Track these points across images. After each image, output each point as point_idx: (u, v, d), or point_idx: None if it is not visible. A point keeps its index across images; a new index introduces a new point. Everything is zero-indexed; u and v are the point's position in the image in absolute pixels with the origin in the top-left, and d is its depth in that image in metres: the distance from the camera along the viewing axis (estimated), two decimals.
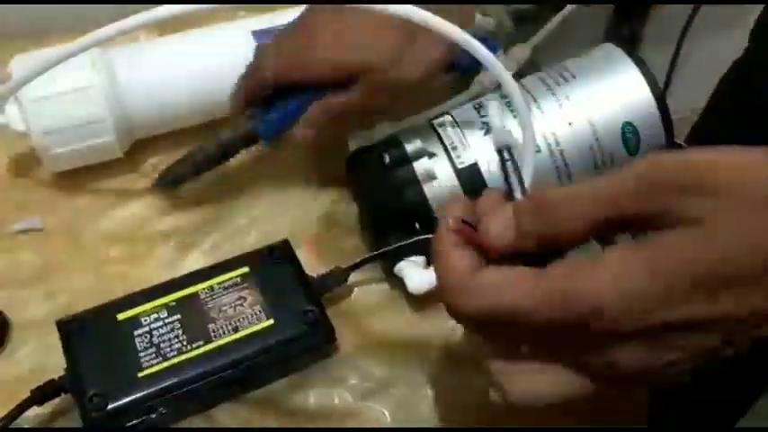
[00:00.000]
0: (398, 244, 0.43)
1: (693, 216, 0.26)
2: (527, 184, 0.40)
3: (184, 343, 0.40)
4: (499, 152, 0.34)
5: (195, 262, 0.48)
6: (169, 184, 0.49)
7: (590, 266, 0.27)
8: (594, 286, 0.27)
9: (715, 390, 0.57)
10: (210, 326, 0.41)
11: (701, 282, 0.26)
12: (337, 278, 0.45)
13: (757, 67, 0.50)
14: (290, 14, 0.54)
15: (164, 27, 0.56)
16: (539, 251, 0.29)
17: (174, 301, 0.42)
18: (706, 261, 0.26)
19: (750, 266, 0.26)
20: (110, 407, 0.38)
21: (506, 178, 0.33)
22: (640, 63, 0.44)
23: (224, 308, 0.42)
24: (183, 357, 0.40)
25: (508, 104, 0.44)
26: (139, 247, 0.48)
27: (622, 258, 0.27)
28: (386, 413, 0.42)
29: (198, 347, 0.40)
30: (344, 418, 0.42)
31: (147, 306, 0.42)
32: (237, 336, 0.41)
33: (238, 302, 0.42)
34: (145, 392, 0.39)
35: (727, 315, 0.27)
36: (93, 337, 0.41)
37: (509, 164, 0.33)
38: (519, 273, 0.29)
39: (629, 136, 0.43)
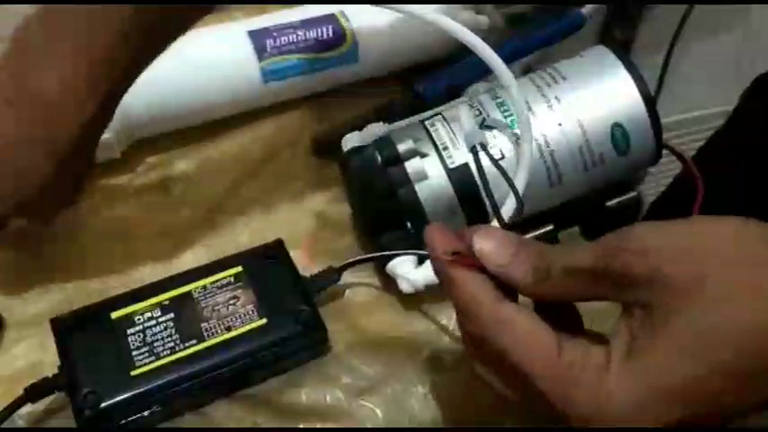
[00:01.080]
0: (393, 252, 0.44)
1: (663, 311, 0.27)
2: (521, 185, 0.41)
3: (177, 342, 0.41)
4: (473, 152, 0.35)
5: (190, 260, 0.48)
6: (324, 150, 0.51)
7: (594, 380, 0.28)
8: (592, 400, 0.27)
9: None
10: (203, 325, 0.41)
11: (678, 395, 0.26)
12: (330, 277, 0.45)
13: None
14: (285, 14, 0.55)
15: None
16: None
17: (167, 299, 0.42)
18: (681, 376, 0.26)
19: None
20: (102, 405, 0.39)
21: (481, 177, 0.33)
22: (630, 65, 0.44)
23: (217, 307, 0.42)
24: (176, 356, 0.40)
25: (500, 105, 0.44)
26: (135, 245, 0.49)
27: (619, 376, 0.27)
28: (378, 411, 0.42)
29: (190, 347, 0.41)
30: (336, 417, 0.42)
31: (141, 305, 0.42)
32: (230, 335, 0.41)
33: (231, 302, 0.42)
34: (137, 391, 0.39)
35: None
36: (87, 335, 0.41)
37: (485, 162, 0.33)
38: (538, 334, 0.29)
39: (619, 137, 0.44)
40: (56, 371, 0.40)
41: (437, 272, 0.32)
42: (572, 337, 0.29)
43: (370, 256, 0.46)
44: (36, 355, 0.43)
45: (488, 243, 0.31)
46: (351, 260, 0.45)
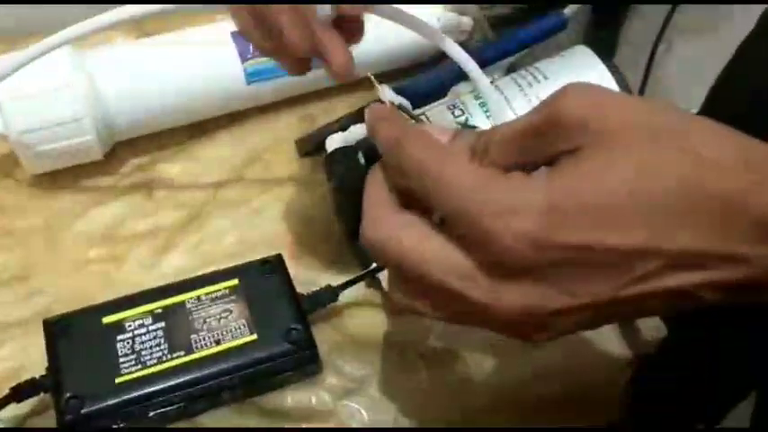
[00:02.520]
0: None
1: (586, 150, 0.27)
2: None
3: (165, 352, 0.40)
4: None
5: (174, 263, 0.48)
6: (309, 151, 0.51)
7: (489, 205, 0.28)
8: (491, 227, 0.27)
9: (695, 393, 0.57)
10: (193, 336, 0.41)
11: (587, 213, 0.26)
12: (327, 296, 0.44)
13: (763, 46, 0.51)
14: None
15: (141, 30, 0.57)
16: None
17: (160, 308, 0.42)
18: (592, 193, 0.27)
19: (633, 204, 0.26)
20: (84, 410, 0.38)
21: None
22: (611, 64, 0.44)
23: (209, 319, 0.42)
24: (162, 366, 0.40)
25: (482, 105, 0.44)
26: (118, 247, 0.49)
27: (514, 192, 0.27)
28: (363, 412, 0.42)
29: (178, 357, 0.40)
30: (322, 418, 0.42)
31: (134, 311, 0.42)
32: (218, 349, 0.41)
33: (224, 315, 0.42)
34: (119, 399, 0.39)
35: (612, 249, 0.27)
36: (77, 338, 0.41)
37: None
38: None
39: None
40: (39, 375, 0.40)
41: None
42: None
43: (368, 270, 0.45)
44: (19, 358, 0.43)
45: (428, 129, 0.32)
46: (350, 279, 0.44)
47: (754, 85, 0.50)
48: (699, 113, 0.57)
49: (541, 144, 0.29)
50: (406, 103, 0.44)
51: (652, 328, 0.46)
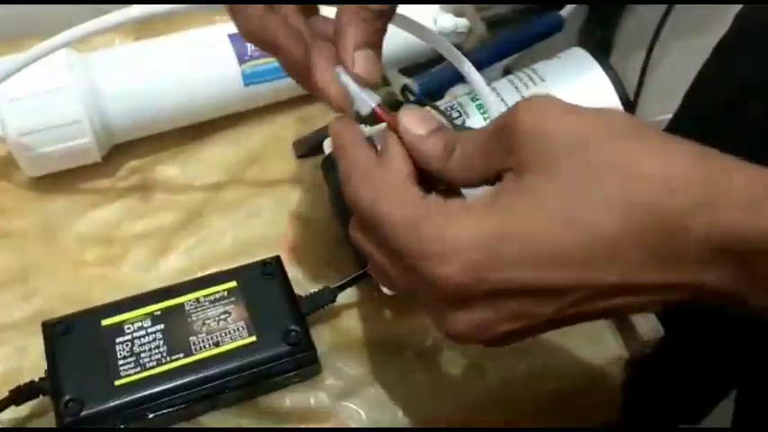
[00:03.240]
0: None
1: (526, 175, 0.28)
2: None
3: (164, 354, 0.40)
4: None
5: (172, 265, 0.48)
6: (306, 152, 0.51)
7: (446, 217, 0.28)
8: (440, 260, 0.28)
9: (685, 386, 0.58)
10: (192, 339, 0.41)
11: (519, 250, 0.27)
12: (326, 298, 0.44)
13: (739, 45, 0.51)
14: None
15: (139, 32, 0.57)
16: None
17: (159, 310, 0.42)
18: (525, 226, 0.27)
19: (565, 240, 0.26)
20: (83, 413, 0.38)
21: None
22: (607, 66, 0.45)
23: (207, 321, 0.42)
24: (161, 369, 0.40)
25: (480, 107, 0.45)
26: (115, 249, 0.49)
27: (444, 231, 0.28)
28: (361, 412, 0.43)
29: (177, 360, 0.40)
30: (321, 418, 0.42)
31: (133, 314, 0.42)
32: (217, 351, 0.41)
33: (223, 317, 0.42)
34: (119, 401, 0.39)
35: (542, 285, 0.27)
36: (77, 341, 0.41)
37: None
38: (405, 193, 0.30)
39: None
40: (36, 377, 0.40)
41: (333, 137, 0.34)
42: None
43: (365, 270, 0.44)
44: (16, 360, 0.43)
45: (412, 117, 0.32)
46: (347, 279, 0.44)
47: (730, 83, 0.50)
48: (677, 113, 0.57)
49: (492, 157, 0.29)
50: (411, 83, 0.44)
51: (649, 328, 0.46)
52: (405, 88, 0.43)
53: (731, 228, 0.26)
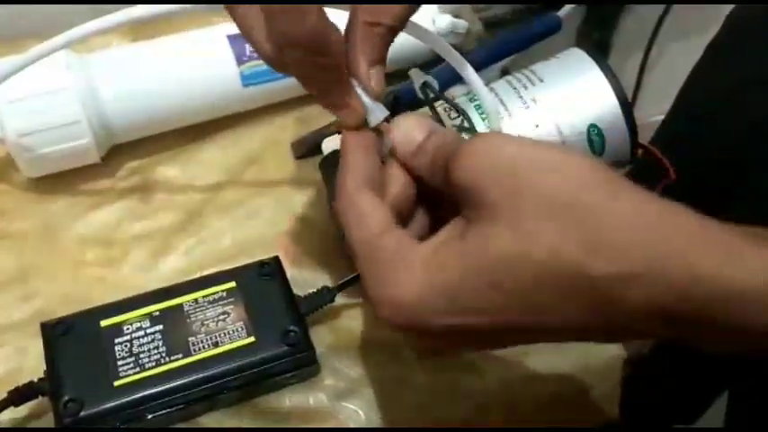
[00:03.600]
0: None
1: (471, 225, 0.29)
2: None
3: (163, 355, 0.40)
4: None
5: (171, 265, 0.48)
6: (305, 153, 0.52)
7: (393, 267, 0.30)
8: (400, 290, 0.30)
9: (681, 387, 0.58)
10: (191, 339, 0.41)
11: (459, 297, 0.29)
12: (324, 298, 0.44)
13: (732, 44, 0.52)
14: None
15: (137, 33, 0.57)
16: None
17: (158, 311, 0.42)
18: (467, 275, 0.29)
19: (500, 292, 0.28)
20: (82, 414, 0.38)
21: None
22: (605, 66, 0.45)
23: (206, 322, 0.42)
24: (161, 369, 0.40)
25: (478, 107, 0.45)
26: (115, 250, 0.49)
27: (396, 273, 0.30)
28: (360, 413, 0.43)
29: (176, 360, 0.40)
30: (320, 419, 0.42)
31: (132, 314, 0.42)
32: (216, 351, 0.41)
33: (221, 317, 0.42)
34: (118, 402, 0.39)
35: (478, 329, 0.29)
36: (76, 342, 0.41)
37: None
38: (370, 216, 0.32)
39: (595, 138, 0.44)
40: (36, 377, 0.40)
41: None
42: (405, 233, 0.32)
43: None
44: (16, 360, 0.43)
45: (400, 133, 0.34)
46: (346, 279, 0.44)
47: (724, 82, 0.50)
48: (669, 112, 0.58)
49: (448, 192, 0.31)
50: (432, 80, 0.44)
51: None
52: (424, 85, 0.44)
53: (673, 299, 0.26)
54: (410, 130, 0.34)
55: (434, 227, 0.33)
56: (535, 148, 0.29)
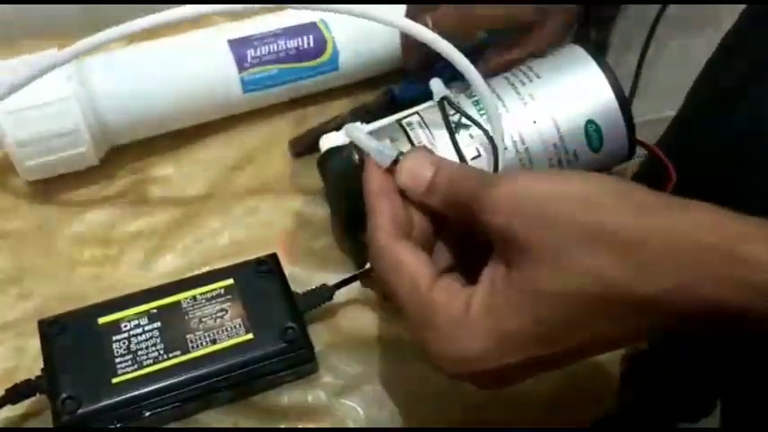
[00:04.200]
0: None
1: (513, 270, 0.30)
2: None
3: (161, 352, 0.40)
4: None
5: (168, 264, 0.48)
6: (302, 151, 0.52)
7: (450, 323, 0.31)
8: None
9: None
10: (189, 336, 0.41)
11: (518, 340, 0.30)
12: (323, 295, 0.44)
13: (749, 33, 0.52)
14: (266, 21, 0.54)
15: (137, 36, 0.56)
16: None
17: (156, 308, 0.42)
18: (519, 318, 0.30)
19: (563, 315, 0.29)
20: (81, 411, 0.38)
21: None
22: (602, 63, 0.45)
23: (204, 319, 0.41)
24: (159, 366, 0.40)
25: (476, 103, 0.45)
26: (111, 249, 0.49)
27: (472, 322, 0.31)
28: (359, 410, 0.43)
29: (174, 357, 0.40)
30: (318, 416, 0.42)
31: (129, 311, 0.42)
32: (214, 348, 0.41)
33: (219, 314, 0.42)
34: (116, 399, 0.39)
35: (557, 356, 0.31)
36: (73, 339, 0.41)
37: None
38: (415, 273, 0.33)
39: (592, 133, 0.44)
40: (33, 376, 0.40)
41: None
42: (450, 280, 0.33)
43: (363, 269, 0.44)
44: (13, 360, 0.43)
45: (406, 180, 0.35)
46: (344, 277, 0.44)
47: (734, 81, 0.50)
48: (681, 108, 0.58)
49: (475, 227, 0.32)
50: (450, 95, 0.45)
51: None
52: (443, 99, 0.44)
53: (731, 293, 0.27)
54: (417, 169, 0.35)
55: (458, 254, 0.35)
56: (557, 180, 0.31)
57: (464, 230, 0.35)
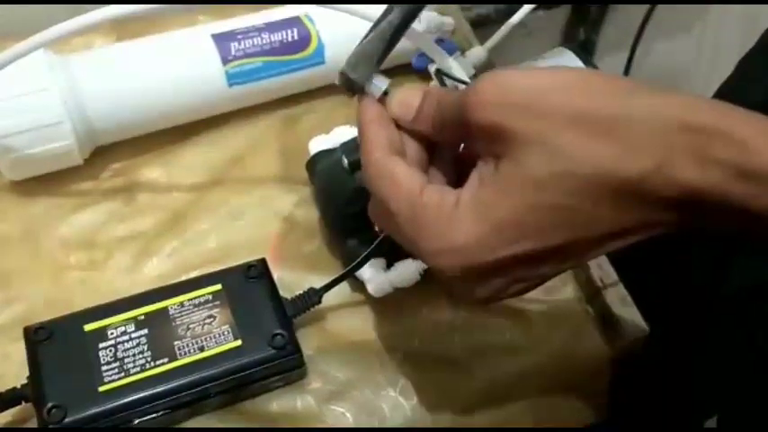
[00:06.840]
0: (362, 258, 0.43)
1: (502, 162, 0.30)
2: None
3: (148, 359, 0.40)
4: None
5: (155, 268, 0.48)
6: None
7: (443, 218, 0.31)
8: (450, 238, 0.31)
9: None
10: (176, 343, 0.40)
11: (509, 232, 0.30)
12: (311, 299, 0.44)
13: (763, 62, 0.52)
14: (250, 18, 0.54)
15: (121, 33, 0.56)
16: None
17: (143, 314, 0.41)
18: (510, 210, 0.30)
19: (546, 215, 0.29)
20: (67, 420, 0.38)
21: None
22: (591, 65, 0.45)
23: (192, 325, 0.41)
24: (146, 374, 0.39)
25: None
26: (98, 253, 0.48)
27: (464, 214, 0.31)
28: (348, 415, 0.42)
29: (161, 365, 0.40)
30: (307, 422, 0.42)
31: (116, 318, 0.41)
32: (202, 355, 0.40)
33: (207, 321, 0.41)
34: (103, 408, 0.38)
35: (532, 253, 0.30)
36: (59, 346, 0.40)
37: None
38: (405, 180, 0.33)
39: None
40: (19, 383, 0.40)
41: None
42: (441, 185, 0.33)
43: (348, 269, 0.44)
44: None
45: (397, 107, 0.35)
46: (331, 280, 0.44)
47: (751, 100, 0.50)
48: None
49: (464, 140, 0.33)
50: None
51: (634, 326, 0.46)
52: (438, 72, 0.44)
53: (720, 178, 0.27)
54: (405, 98, 0.35)
55: (451, 182, 0.35)
56: (542, 73, 0.31)
57: (456, 156, 0.35)
